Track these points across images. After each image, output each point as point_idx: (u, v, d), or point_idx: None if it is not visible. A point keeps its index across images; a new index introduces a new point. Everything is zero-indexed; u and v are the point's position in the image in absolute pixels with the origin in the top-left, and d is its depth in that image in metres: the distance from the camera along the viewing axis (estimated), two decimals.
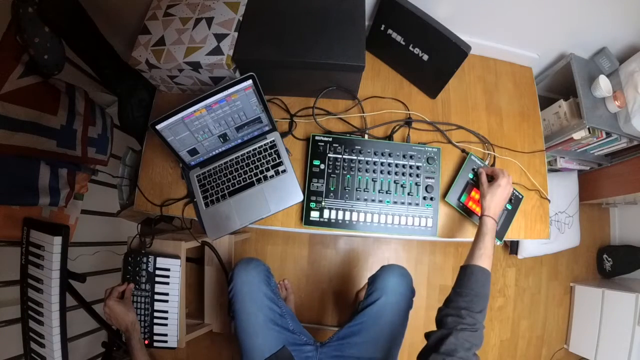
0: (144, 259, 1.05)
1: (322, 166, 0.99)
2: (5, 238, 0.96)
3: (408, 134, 1.07)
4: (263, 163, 1.00)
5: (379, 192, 0.99)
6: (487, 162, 1.05)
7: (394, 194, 0.99)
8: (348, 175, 0.99)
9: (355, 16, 0.96)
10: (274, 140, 1.01)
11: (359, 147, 1.00)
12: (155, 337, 1.06)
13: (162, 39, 0.93)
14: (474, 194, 1.01)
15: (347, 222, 0.97)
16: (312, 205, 0.97)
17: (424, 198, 1.00)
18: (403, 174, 1.00)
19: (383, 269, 0.98)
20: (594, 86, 1.16)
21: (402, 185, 1.00)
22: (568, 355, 1.74)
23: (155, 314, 1.06)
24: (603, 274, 1.80)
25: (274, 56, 0.91)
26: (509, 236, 1.04)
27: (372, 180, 0.99)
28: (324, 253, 1.67)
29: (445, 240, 1.06)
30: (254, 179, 0.99)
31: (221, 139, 0.97)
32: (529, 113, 1.17)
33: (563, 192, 1.59)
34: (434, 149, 1.02)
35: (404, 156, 1.01)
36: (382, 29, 1.05)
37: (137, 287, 1.05)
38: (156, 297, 1.06)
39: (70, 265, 0.97)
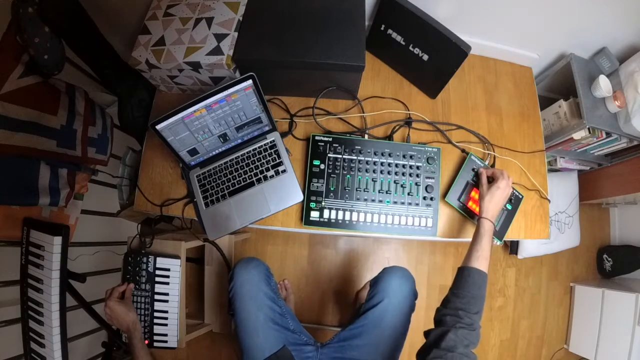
0: (144, 259, 1.05)
1: (322, 166, 0.99)
2: (5, 238, 0.96)
3: (408, 134, 1.07)
4: (263, 163, 1.00)
5: (379, 192, 0.99)
6: (487, 162, 1.05)
7: (394, 194, 0.99)
8: (348, 175, 0.99)
9: (355, 16, 0.96)
10: (274, 140, 1.01)
11: (359, 147, 1.00)
12: (155, 337, 1.07)
13: (162, 39, 0.93)
14: (474, 194, 1.01)
15: (347, 222, 0.97)
16: (312, 205, 0.97)
17: (424, 198, 1.00)
18: (403, 174, 1.00)
19: (385, 271, 0.98)
20: (594, 86, 1.16)
21: (402, 185, 1.00)
22: (568, 355, 1.74)
23: (155, 314, 1.06)
24: (603, 274, 1.80)
25: (274, 56, 0.91)
26: (509, 236, 1.04)
27: (372, 180, 0.99)
28: (324, 253, 1.67)
29: (445, 240, 1.06)
30: (254, 179, 0.99)
31: (221, 139, 0.97)
32: (529, 113, 1.17)
33: (563, 192, 1.59)
34: (434, 149, 1.02)
35: (404, 156, 1.01)
36: (382, 29, 1.05)
37: (137, 287, 1.05)
38: (156, 297, 1.06)
39: (70, 265, 0.97)
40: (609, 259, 1.76)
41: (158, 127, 0.87)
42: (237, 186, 0.99)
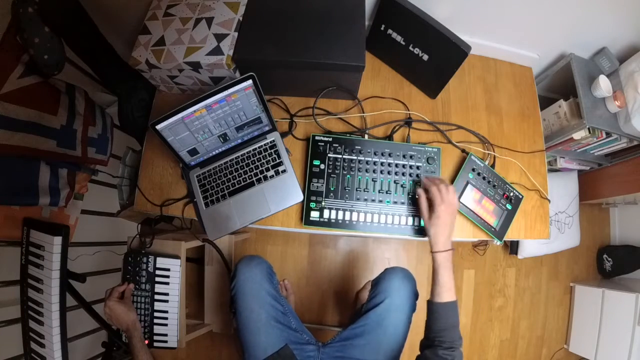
0: (144, 259, 1.05)
1: (322, 166, 0.99)
2: (5, 238, 0.96)
3: (408, 134, 1.07)
4: (263, 163, 1.00)
5: (379, 192, 0.99)
6: (487, 162, 1.05)
7: (394, 194, 0.99)
8: (348, 175, 0.99)
9: (355, 16, 0.96)
10: (274, 140, 1.01)
11: (359, 147, 1.00)
12: (155, 337, 1.07)
13: (162, 39, 0.93)
14: (474, 194, 1.01)
15: (347, 222, 0.97)
16: (312, 205, 0.97)
17: None
18: (403, 174, 1.00)
19: (387, 271, 0.98)
20: (594, 86, 1.16)
21: (402, 185, 0.99)
22: (568, 355, 1.74)
23: (155, 314, 1.06)
24: (603, 274, 1.80)
25: (274, 56, 0.91)
26: (509, 236, 1.04)
27: (372, 180, 0.99)
28: (324, 253, 1.67)
29: None
30: (254, 179, 0.99)
31: (221, 139, 0.97)
32: (529, 113, 1.17)
33: (563, 192, 1.59)
34: (434, 149, 1.02)
35: (404, 156, 1.01)
36: (382, 29, 1.05)
37: (137, 287, 1.05)
38: (156, 297, 1.06)
39: (70, 265, 0.97)
40: (609, 259, 1.76)
41: (158, 127, 0.87)
42: (237, 186, 0.99)
